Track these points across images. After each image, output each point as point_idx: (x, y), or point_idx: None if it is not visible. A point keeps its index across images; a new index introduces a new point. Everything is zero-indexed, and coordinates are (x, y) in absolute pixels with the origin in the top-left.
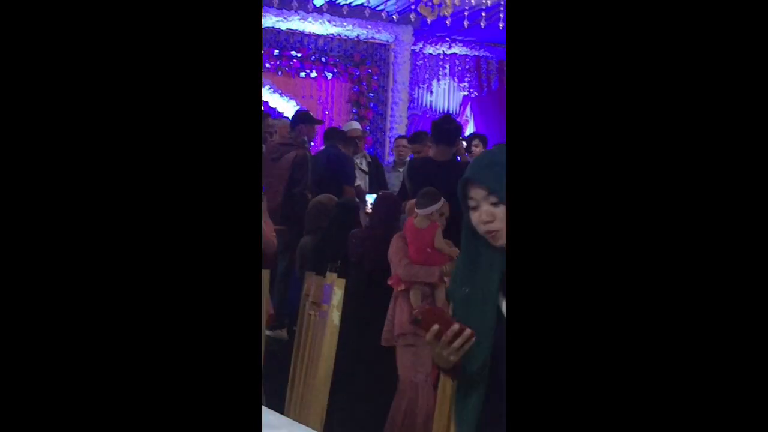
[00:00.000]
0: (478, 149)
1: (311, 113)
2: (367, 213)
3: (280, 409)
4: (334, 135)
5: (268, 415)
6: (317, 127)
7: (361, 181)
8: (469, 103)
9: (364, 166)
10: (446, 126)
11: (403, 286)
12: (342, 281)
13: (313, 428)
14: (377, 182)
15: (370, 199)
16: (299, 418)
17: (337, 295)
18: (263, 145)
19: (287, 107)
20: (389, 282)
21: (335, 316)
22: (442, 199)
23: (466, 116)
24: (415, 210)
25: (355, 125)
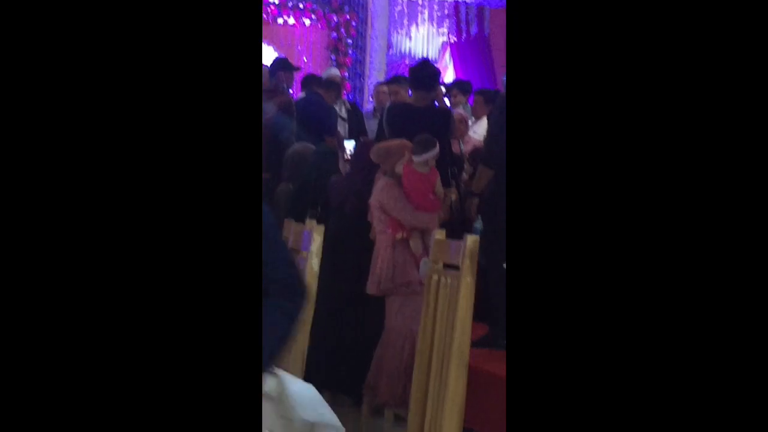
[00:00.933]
0: (457, 99)
1: (289, 60)
2: (346, 160)
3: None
4: (312, 82)
5: None
6: (295, 74)
7: (341, 127)
8: (448, 49)
9: (344, 113)
10: (424, 71)
11: (403, 234)
12: (321, 228)
13: (293, 373)
14: (356, 129)
15: (349, 145)
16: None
17: (317, 241)
18: None
19: (265, 54)
20: (388, 229)
21: (314, 263)
22: (438, 145)
23: (445, 62)
24: (412, 157)
25: (334, 72)
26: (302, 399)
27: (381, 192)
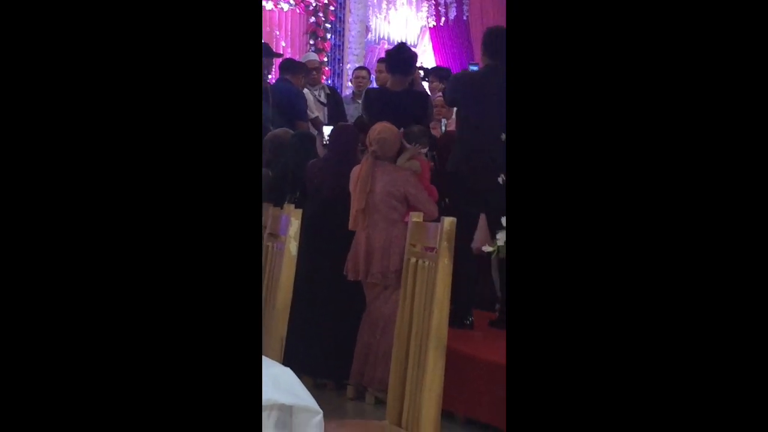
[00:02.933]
0: (434, 85)
1: (269, 45)
2: (324, 144)
3: None
4: (288, 67)
5: None
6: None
7: (320, 112)
8: (427, 33)
9: (323, 98)
10: (401, 55)
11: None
12: (299, 212)
13: (272, 358)
14: (336, 114)
15: (328, 130)
16: None
17: (294, 225)
18: None
19: None
20: (405, 218)
21: (292, 247)
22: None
23: (424, 47)
24: (420, 149)
25: (313, 56)
26: (279, 382)
27: (405, 183)
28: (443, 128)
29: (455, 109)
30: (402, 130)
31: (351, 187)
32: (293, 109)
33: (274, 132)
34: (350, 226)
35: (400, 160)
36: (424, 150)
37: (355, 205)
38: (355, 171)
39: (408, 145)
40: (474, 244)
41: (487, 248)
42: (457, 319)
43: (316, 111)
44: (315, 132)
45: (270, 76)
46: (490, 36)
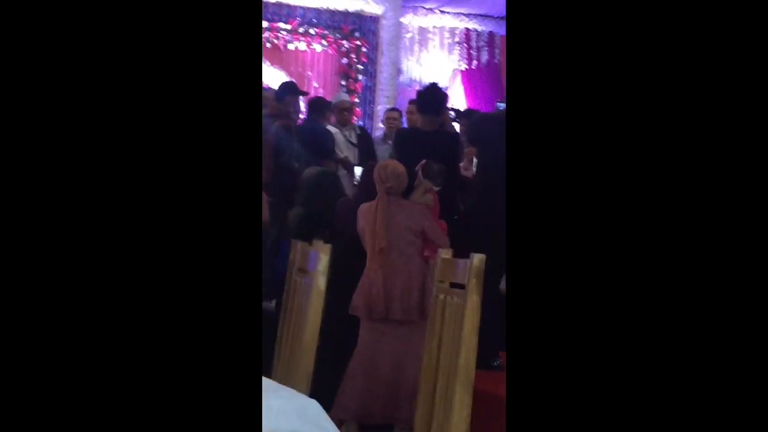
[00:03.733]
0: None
1: (297, 85)
2: (354, 184)
3: (267, 373)
4: (319, 106)
5: None
6: (305, 98)
7: (350, 153)
8: (459, 76)
9: (353, 139)
10: (433, 96)
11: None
12: (327, 247)
13: (299, 391)
14: (366, 154)
15: (359, 171)
16: (285, 382)
17: (323, 260)
18: None
19: (277, 79)
20: (425, 253)
21: (321, 282)
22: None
23: (456, 89)
24: (431, 185)
25: (344, 97)
26: (306, 414)
27: (422, 217)
28: (474, 169)
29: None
30: (423, 162)
31: (362, 225)
32: (320, 148)
33: (307, 171)
34: (369, 266)
35: (416, 195)
36: (437, 188)
37: (378, 243)
38: (365, 209)
39: (423, 179)
40: (502, 285)
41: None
42: (484, 360)
43: (345, 151)
44: (344, 172)
45: (301, 115)
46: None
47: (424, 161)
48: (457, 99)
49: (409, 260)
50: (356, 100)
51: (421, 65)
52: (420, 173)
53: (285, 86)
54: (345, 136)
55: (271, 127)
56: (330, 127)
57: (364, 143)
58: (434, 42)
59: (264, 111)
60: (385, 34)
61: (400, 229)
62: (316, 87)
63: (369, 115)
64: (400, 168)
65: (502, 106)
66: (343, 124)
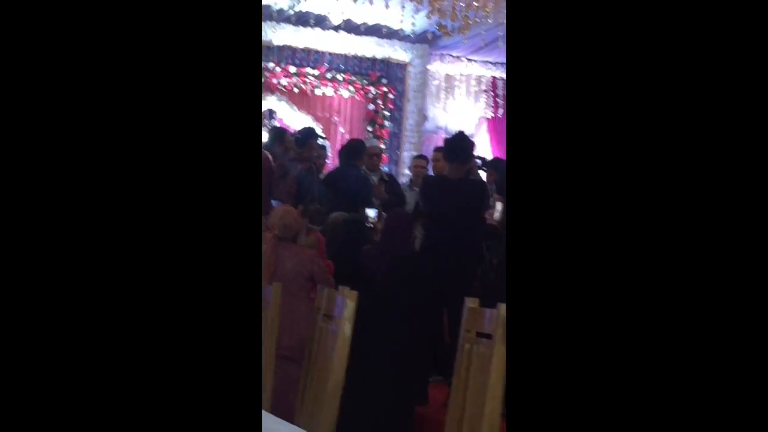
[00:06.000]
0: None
1: (316, 129)
2: (368, 227)
3: (289, 418)
4: (354, 151)
5: (278, 425)
6: (332, 143)
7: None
8: (485, 124)
9: None
10: (460, 143)
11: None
12: (354, 293)
13: None
14: (394, 200)
15: (371, 213)
16: (309, 429)
17: (349, 307)
18: (274, 161)
19: (303, 124)
20: (312, 295)
21: (347, 328)
22: None
23: (481, 136)
24: (313, 228)
25: (375, 143)
26: None
27: (311, 263)
28: (498, 216)
29: None
30: (300, 208)
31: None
32: (360, 196)
33: (333, 216)
34: None
35: (300, 239)
36: (320, 228)
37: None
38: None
39: (309, 224)
40: None
41: None
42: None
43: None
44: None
45: (327, 160)
46: None
47: (300, 206)
48: (483, 147)
49: (298, 301)
50: (382, 146)
51: (447, 112)
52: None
53: (305, 131)
54: (373, 181)
55: (291, 171)
56: None
57: (391, 189)
58: (461, 90)
59: (288, 156)
60: (412, 81)
61: (292, 273)
62: (342, 132)
63: (395, 161)
64: (288, 217)
65: None
66: (372, 169)
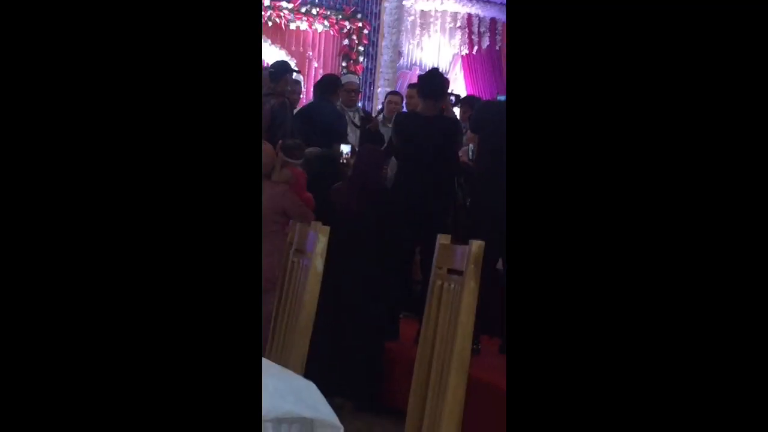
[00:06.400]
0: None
1: (290, 64)
2: (341, 162)
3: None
4: (330, 86)
5: None
6: (306, 78)
7: (353, 134)
8: (460, 61)
9: (357, 120)
10: (434, 80)
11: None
12: (326, 228)
13: (293, 371)
14: (368, 137)
15: (345, 148)
16: (280, 362)
17: (321, 242)
18: None
19: (276, 58)
20: (286, 229)
21: (319, 264)
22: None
23: (456, 74)
24: (290, 160)
25: (353, 78)
26: (302, 396)
27: (283, 198)
28: (470, 155)
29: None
30: (280, 143)
31: None
32: (334, 131)
33: (308, 152)
34: None
35: (274, 174)
36: (298, 162)
37: None
38: None
39: (281, 154)
40: (499, 265)
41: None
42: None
43: (350, 133)
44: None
45: (301, 96)
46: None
47: (280, 141)
48: (457, 84)
49: (273, 236)
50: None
51: (422, 49)
52: (279, 149)
53: (279, 65)
54: (349, 117)
55: (265, 106)
56: None
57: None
58: (436, 26)
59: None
60: (387, 17)
61: (265, 210)
62: (316, 67)
63: (369, 97)
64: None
65: (501, 98)
66: (349, 105)
